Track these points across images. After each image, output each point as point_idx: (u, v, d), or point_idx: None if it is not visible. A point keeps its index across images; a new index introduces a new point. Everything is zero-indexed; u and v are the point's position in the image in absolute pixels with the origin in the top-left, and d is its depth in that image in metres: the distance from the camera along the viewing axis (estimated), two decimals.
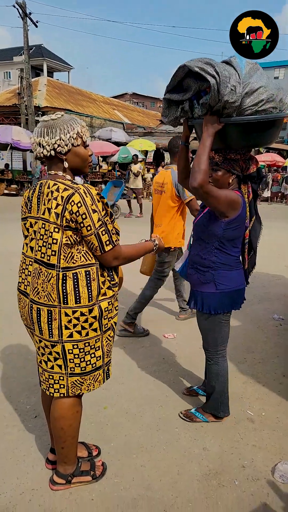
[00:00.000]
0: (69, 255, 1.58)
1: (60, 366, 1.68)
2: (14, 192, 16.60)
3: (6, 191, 16.68)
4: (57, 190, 1.56)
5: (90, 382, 1.74)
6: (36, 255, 1.64)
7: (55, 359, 1.67)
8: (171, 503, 1.83)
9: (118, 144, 19.04)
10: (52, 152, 1.59)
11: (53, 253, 1.57)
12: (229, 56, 2.01)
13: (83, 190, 1.54)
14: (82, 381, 1.72)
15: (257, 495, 1.88)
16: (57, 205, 1.55)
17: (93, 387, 1.76)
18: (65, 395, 1.73)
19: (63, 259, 1.57)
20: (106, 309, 1.68)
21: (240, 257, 2.22)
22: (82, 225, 1.54)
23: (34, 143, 1.61)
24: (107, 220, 1.60)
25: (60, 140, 1.57)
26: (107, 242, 1.60)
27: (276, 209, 15.44)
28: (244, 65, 1.86)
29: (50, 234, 1.57)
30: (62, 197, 1.54)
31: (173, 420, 2.41)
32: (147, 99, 48.98)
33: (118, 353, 3.23)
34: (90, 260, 1.62)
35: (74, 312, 1.60)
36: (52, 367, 1.69)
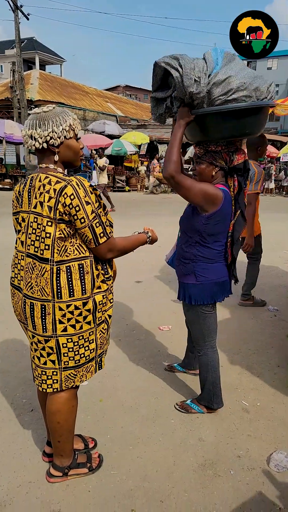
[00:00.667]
0: (63, 249, 1.57)
1: (53, 362, 1.67)
2: (8, 187, 16.48)
3: (0, 186, 16.56)
4: (49, 183, 1.54)
5: (83, 374, 1.75)
6: (28, 249, 1.62)
7: (48, 354, 1.66)
8: (167, 493, 1.85)
9: (111, 137, 18.93)
10: (45, 145, 1.57)
11: (47, 247, 1.56)
12: (223, 48, 2.01)
13: (76, 182, 1.53)
14: (75, 373, 1.72)
15: (253, 484, 1.90)
16: (50, 198, 1.53)
17: (86, 378, 1.77)
18: (58, 389, 1.72)
19: (57, 252, 1.56)
20: (100, 302, 1.68)
21: (223, 251, 2.20)
22: (75, 217, 1.53)
23: (25, 135, 1.58)
24: (101, 212, 1.59)
25: (52, 132, 1.55)
26: (101, 235, 1.59)
27: (275, 201, 15.47)
28: (221, 58, 1.88)
29: (43, 228, 1.55)
30: (54, 189, 1.52)
31: (169, 412, 2.42)
32: (140, 91, 48.63)
33: (113, 346, 3.24)
34: (83, 253, 1.61)
35: (68, 306, 1.59)
36: (45, 363, 1.68)
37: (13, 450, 2.08)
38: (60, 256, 1.57)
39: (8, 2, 17.50)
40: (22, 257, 1.67)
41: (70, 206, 1.51)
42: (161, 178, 15.86)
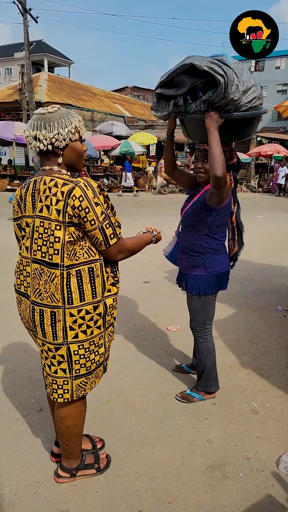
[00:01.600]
0: (72, 252, 1.52)
1: (64, 370, 1.64)
2: (17, 188, 16.58)
3: (9, 187, 16.67)
4: (55, 185, 1.49)
5: (93, 380, 1.73)
6: (35, 255, 1.56)
7: (59, 363, 1.63)
8: (175, 494, 1.84)
9: (119, 137, 18.96)
10: (49, 147, 1.52)
11: (56, 252, 1.50)
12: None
13: (84, 183, 1.49)
14: (86, 381, 1.70)
15: (262, 487, 1.88)
16: (58, 201, 1.48)
17: (95, 384, 1.76)
18: (69, 399, 1.70)
19: (67, 257, 1.51)
20: (111, 305, 1.66)
21: (226, 242, 2.40)
22: (85, 219, 1.49)
23: (29, 136, 1.53)
24: (110, 213, 1.56)
25: (58, 134, 1.51)
26: (111, 236, 1.56)
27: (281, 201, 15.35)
28: (233, 64, 1.98)
29: (52, 233, 1.50)
30: (62, 192, 1.47)
31: (177, 412, 2.41)
32: (148, 92, 48.57)
33: (121, 346, 3.23)
34: (93, 256, 1.58)
35: (79, 311, 1.55)
36: (56, 372, 1.65)
37: (21, 449, 2.09)
38: (70, 260, 1.52)
39: (17, 5, 17.63)
40: (28, 263, 1.61)
41: (80, 208, 1.47)
42: (168, 178, 15.83)
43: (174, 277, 4.20)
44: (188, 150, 16.91)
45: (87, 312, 1.57)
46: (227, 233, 2.42)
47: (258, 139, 21.35)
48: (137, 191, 16.41)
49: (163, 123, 23.77)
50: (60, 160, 1.57)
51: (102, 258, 1.62)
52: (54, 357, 1.62)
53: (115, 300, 1.69)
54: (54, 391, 1.68)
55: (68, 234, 1.50)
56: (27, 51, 18.23)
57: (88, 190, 1.48)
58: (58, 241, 1.50)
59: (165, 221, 8.90)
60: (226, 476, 1.95)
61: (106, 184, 17.58)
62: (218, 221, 2.24)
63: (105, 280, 1.64)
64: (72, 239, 1.51)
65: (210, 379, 2.48)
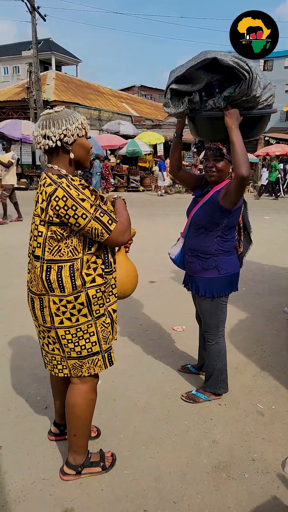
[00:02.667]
0: (56, 248, 1.61)
1: (58, 349, 1.76)
2: (24, 186, 16.65)
3: (15, 185, 16.72)
4: (44, 184, 1.59)
5: (90, 366, 1.78)
6: (29, 249, 1.72)
7: (53, 342, 1.76)
8: (180, 494, 1.84)
9: (126, 137, 18.96)
10: (59, 143, 1.59)
11: (38, 245, 1.63)
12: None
13: (66, 183, 1.55)
14: (81, 364, 1.76)
15: (267, 489, 1.88)
16: (43, 200, 1.58)
17: (94, 371, 1.79)
18: (69, 376, 1.80)
19: (48, 251, 1.61)
20: (94, 296, 1.68)
21: (237, 242, 2.40)
22: (76, 216, 1.54)
23: (38, 135, 1.60)
24: (100, 203, 1.61)
25: (66, 130, 1.57)
26: (109, 222, 1.60)
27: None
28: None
29: (36, 227, 1.63)
30: (46, 192, 1.57)
31: (182, 413, 2.41)
32: (155, 91, 48.59)
33: (126, 346, 3.24)
34: (76, 255, 1.64)
35: (60, 301, 1.65)
36: (53, 350, 1.77)
37: (27, 446, 2.10)
38: (52, 255, 1.61)
39: (26, 3, 17.68)
40: (30, 255, 1.74)
41: (66, 208, 1.53)
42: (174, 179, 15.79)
43: (180, 277, 4.19)
44: (195, 149, 16.85)
45: (68, 302, 1.65)
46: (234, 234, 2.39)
47: (266, 139, 21.24)
48: (143, 190, 16.41)
49: (170, 122, 23.74)
50: (72, 155, 1.63)
51: (82, 254, 1.65)
52: (49, 337, 1.76)
53: (99, 290, 1.69)
54: (55, 366, 1.80)
55: (51, 231, 1.60)
56: (35, 49, 18.28)
57: (71, 189, 1.54)
58: (41, 236, 1.61)
59: (173, 221, 8.85)
60: (231, 477, 1.94)
61: (112, 183, 17.59)
62: (231, 222, 2.21)
63: (92, 271, 1.67)
64: (54, 236, 1.60)
65: (219, 381, 2.46)
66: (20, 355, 3.05)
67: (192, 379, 2.77)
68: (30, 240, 1.70)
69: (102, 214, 1.58)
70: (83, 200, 1.55)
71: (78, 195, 1.54)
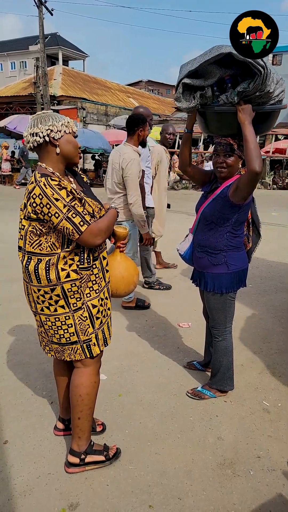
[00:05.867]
0: (36, 242, 1.70)
1: (44, 332, 1.87)
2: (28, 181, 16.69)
3: (22, 181, 16.76)
4: (30, 181, 1.69)
5: (70, 353, 1.85)
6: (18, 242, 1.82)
7: (40, 326, 1.87)
8: (185, 491, 1.84)
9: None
10: (46, 138, 1.66)
11: (21, 237, 1.75)
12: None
13: (43, 182, 1.62)
14: (62, 349, 1.85)
15: (273, 486, 1.87)
16: (25, 196, 1.68)
17: (74, 358, 1.86)
18: (54, 357, 1.91)
19: (28, 244, 1.71)
20: (69, 290, 1.73)
21: (246, 238, 2.40)
22: (50, 214, 1.61)
23: (27, 135, 1.68)
24: (76, 204, 1.66)
25: (52, 125, 1.66)
26: (81, 223, 1.64)
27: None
28: None
29: (21, 220, 1.75)
30: (28, 189, 1.67)
31: (188, 409, 2.41)
32: (162, 86, 48.36)
33: (132, 342, 3.24)
34: (55, 250, 1.71)
35: (39, 290, 1.75)
36: (41, 332, 1.90)
37: (33, 441, 2.12)
38: (32, 248, 1.71)
39: None
40: None
41: (41, 205, 1.61)
42: (181, 174, 15.74)
43: (186, 273, 4.20)
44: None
45: (46, 292, 1.74)
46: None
47: (273, 135, 21.02)
48: None
49: (177, 117, 23.61)
50: (58, 150, 1.69)
51: (60, 250, 1.71)
52: (37, 320, 1.87)
53: (74, 285, 1.73)
54: (45, 345, 1.93)
55: (31, 226, 1.69)
56: (42, 44, 18.24)
57: (46, 188, 1.61)
58: (23, 229, 1.73)
59: (180, 217, 8.81)
60: (236, 474, 1.94)
61: None
62: (241, 218, 2.20)
63: (66, 266, 1.71)
64: (34, 230, 1.69)
65: (225, 378, 2.46)
66: (27, 351, 3.07)
67: (198, 375, 2.77)
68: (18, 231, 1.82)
69: (74, 215, 1.63)
70: (56, 199, 1.61)
71: (53, 194, 1.61)
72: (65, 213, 1.62)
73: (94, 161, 19.07)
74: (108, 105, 23.52)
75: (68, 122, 1.71)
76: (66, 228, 1.63)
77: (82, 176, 1.92)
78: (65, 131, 1.69)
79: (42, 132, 1.64)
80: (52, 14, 18.75)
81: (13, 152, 18.35)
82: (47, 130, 1.65)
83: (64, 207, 1.62)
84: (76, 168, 1.88)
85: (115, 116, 21.90)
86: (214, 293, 2.33)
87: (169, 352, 3.09)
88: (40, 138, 1.65)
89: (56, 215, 1.61)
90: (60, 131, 1.67)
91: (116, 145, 18.65)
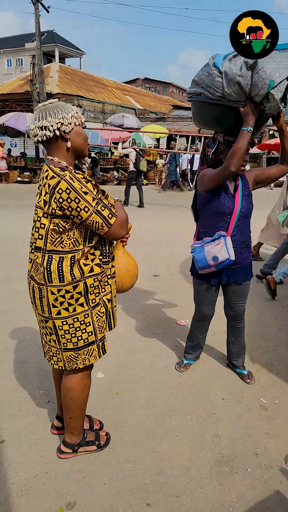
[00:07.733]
0: (58, 240, 1.63)
1: (54, 341, 1.77)
2: (27, 180, 16.63)
3: (19, 179, 16.72)
4: (47, 177, 1.59)
5: (85, 357, 1.79)
6: (31, 239, 1.73)
7: (50, 333, 1.77)
8: (183, 488, 1.83)
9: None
10: (57, 132, 1.60)
11: (40, 236, 1.65)
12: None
13: (69, 176, 1.56)
14: (76, 355, 1.78)
15: (270, 483, 1.87)
16: (46, 193, 1.59)
17: (89, 362, 1.81)
18: (63, 368, 1.82)
19: (50, 242, 1.64)
20: (92, 285, 1.71)
21: None
22: (78, 209, 1.56)
23: (35, 128, 1.60)
24: (101, 197, 1.62)
25: (63, 118, 1.59)
26: (110, 216, 1.62)
27: None
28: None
29: (39, 219, 1.65)
30: (49, 185, 1.57)
31: (185, 407, 2.40)
32: (159, 84, 48.28)
33: (130, 340, 3.23)
34: (77, 247, 1.67)
35: (59, 291, 1.67)
36: (50, 341, 1.80)
37: (30, 440, 2.11)
38: (54, 246, 1.64)
39: None
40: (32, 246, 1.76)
41: (69, 200, 1.54)
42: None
43: (184, 271, 4.19)
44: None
45: (67, 291, 1.67)
46: None
47: (271, 132, 21.03)
48: (147, 184, 16.32)
49: (175, 115, 23.56)
50: (69, 144, 1.64)
51: (83, 245, 1.68)
52: (46, 328, 1.77)
53: (96, 280, 1.72)
54: (51, 357, 1.84)
55: (53, 224, 1.61)
56: (38, 41, 18.15)
57: (74, 182, 1.55)
58: (43, 228, 1.64)
59: (176, 216, 8.76)
60: (234, 471, 1.94)
61: (116, 177, 17.53)
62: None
63: (89, 261, 1.70)
64: (57, 228, 1.61)
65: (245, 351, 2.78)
66: (23, 349, 3.05)
67: (197, 372, 2.76)
68: (33, 230, 1.72)
69: (103, 208, 1.60)
70: (85, 193, 1.56)
71: (81, 188, 1.55)
72: (95, 206, 1.57)
73: (90, 159, 19.02)
74: (105, 103, 23.44)
75: (77, 112, 1.65)
76: (96, 222, 1.59)
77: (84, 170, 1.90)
78: (75, 123, 1.63)
79: (52, 126, 1.57)
80: (48, 11, 18.66)
81: (9, 150, 18.29)
82: (57, 123, 1.58)
83: (93, 200, 1.57)
84: (83, 161, 1.87)
85: (112, 114, 21.82)
86: (247, 282, 2.51)
87: (166, 350, 3.09)
88: (50, 132, 1.59)
89: (86, 209, 1.56)
90: (70, 124, 1.61)
91: (114, 143, 18.58)
